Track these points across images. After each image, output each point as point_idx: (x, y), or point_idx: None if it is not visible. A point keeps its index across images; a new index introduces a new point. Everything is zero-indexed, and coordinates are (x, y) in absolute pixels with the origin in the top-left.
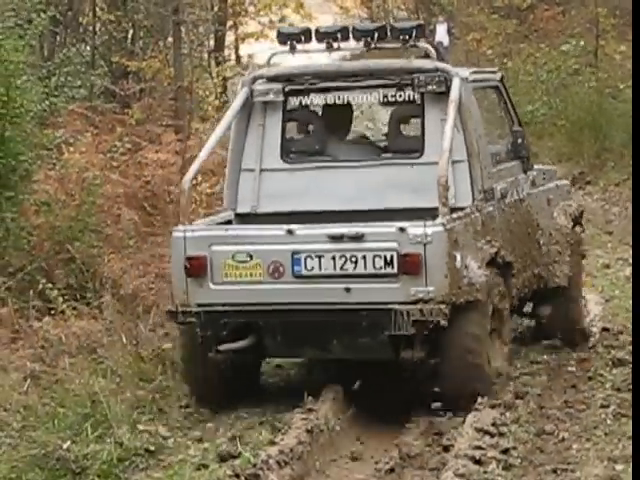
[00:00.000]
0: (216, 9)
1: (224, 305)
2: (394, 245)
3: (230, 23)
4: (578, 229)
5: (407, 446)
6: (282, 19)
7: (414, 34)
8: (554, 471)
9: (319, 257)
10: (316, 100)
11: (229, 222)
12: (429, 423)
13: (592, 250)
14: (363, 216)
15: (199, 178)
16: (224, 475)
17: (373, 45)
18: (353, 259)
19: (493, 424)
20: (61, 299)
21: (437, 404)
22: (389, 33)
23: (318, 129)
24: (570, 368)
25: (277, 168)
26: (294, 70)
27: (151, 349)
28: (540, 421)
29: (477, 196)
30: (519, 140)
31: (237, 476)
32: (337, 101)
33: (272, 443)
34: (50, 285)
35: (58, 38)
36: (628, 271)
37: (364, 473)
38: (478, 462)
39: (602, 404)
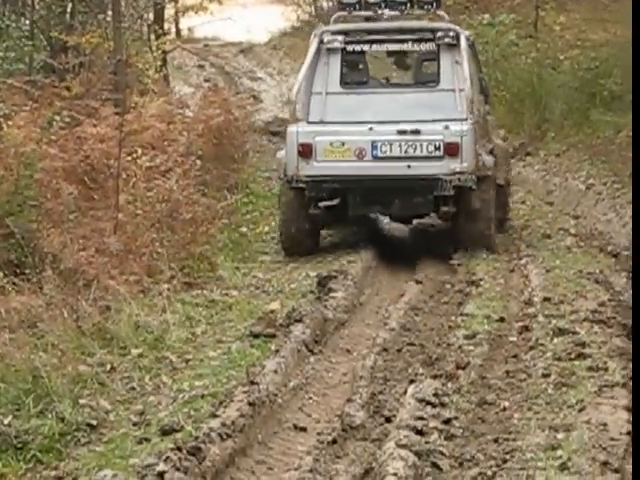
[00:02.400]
0: None
1: (324, 176)
2: (441, 137)
3: None
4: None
5: (349, 417)
6: None
7: (435, 5)
8: (495, 440)
9: (390, 144)
10: (365, 48)
11: None
12: (371, 395)
13: (533, 221)
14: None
15: (139, 151)
16: (166, 449)
17: (406, 12)
18: (413, 146)
19: (435, 394)
20: (1, 274)
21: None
22: (416, 3)
23: (365, 67)
24: (511, 338)
25: (338, 92)
26: (350, 27)
27: (92, 323)
28: (482, 391)
29: (474, 112)
30: (483, 82)
31: (179, 449)
32: (379, 49)
33: (214, 416)
34: None
35: None
36: (569, 241)
37: (306, 445)
38: (420, 433)
39: (543, 373)
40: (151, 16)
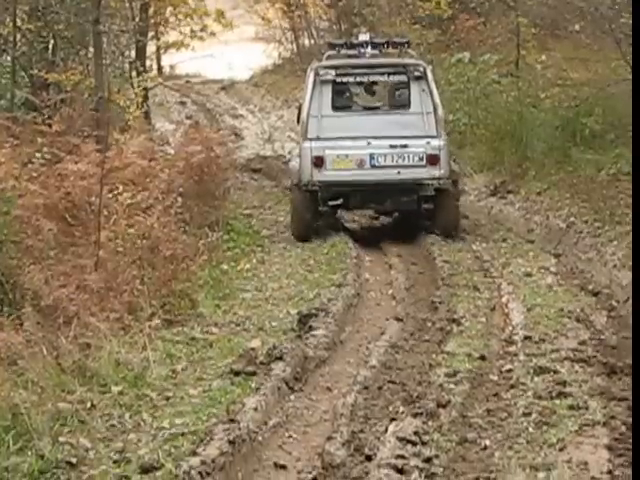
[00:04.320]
0: (137, 19)
1: (333, 181)
2: (423, 150)
3: (151, 33)
4: None
5: (330, 455)
6: (203, 28)
7: (406, 45)
8: (476, 479)
9: (384, 156)
10: (351, 79)
11: None
12: (352, 433)
13: (514, 259)
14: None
15: (120, 188)
16: None
17: (384, 51)
18: (402, 156)
19: (415, 433)
20: None
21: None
22: (391, 44)
23: (350, 94)
24: (492, 377)
25: (330, 115)
26: (340, 63)
27: (72, 361)
28: (462, 429)
29: (440, 130)
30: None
31: None
32: (362, 80)
33: (194, 454)
34: None
35: None
36: (550, 279)
37: None
38: (400, 471)
39: (524, 412)
40: (133, 53)
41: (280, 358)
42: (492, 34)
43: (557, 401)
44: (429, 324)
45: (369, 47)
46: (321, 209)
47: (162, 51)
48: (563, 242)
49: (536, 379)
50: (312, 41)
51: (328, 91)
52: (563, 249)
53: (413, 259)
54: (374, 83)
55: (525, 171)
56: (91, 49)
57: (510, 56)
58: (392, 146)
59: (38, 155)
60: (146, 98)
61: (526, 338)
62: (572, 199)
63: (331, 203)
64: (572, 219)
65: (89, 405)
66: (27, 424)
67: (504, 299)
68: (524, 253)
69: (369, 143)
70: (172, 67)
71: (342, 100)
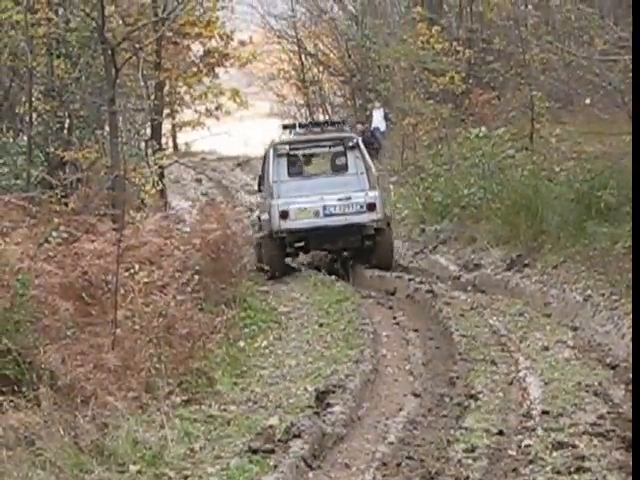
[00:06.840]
0: (152, 98)
1: (296, 229)
2: (363, 200)
3: (167, 112)
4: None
5: None
6: (218, 107)
7: (342, 124)
8: None
9: (334, 206)
10: (301, 152)
11: None
12: None
13: (531, 333)
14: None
15: (136, 267)
16: None
17: (325, 129)
18: (348, 206)
19: None
20: None
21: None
22: (330, 124)
23: (301, 163)
24: (511, 452)
25: (286, 180)
26: (292, 139)
27: (90, 440)
28: None
29: (374, 184)
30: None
31: None
32: (308, 152)
33: None
34: None
35: None
36: (567, 353)
37: None
38: None
39: None
40: (148, 131)
41: (298, 435)
42: (506, 108)
43: (576, 476)
44: (447, 399)
45: (313, 126)
46: (288, 251)
47: (178, 129)
48: (580, 315)
49: (555, 454)
50: (327, 117)
51: (284, 162)
52: (580, 322)
53: (430, 334)
54: (314, 155)
55: (541, 244)
56: (107, 128)
57: (524, 130)
58: (340, 199)
59: (54, 234)
60: (162, 176)
61: (544, 413)
62: (588, 272)
63: (296, 245)
64: (589, 292)
65: None
66: None
67: (522, 373)
68: (541, 327)
69: (322, 197)
70: (188, 144)
71: (295, 168)
